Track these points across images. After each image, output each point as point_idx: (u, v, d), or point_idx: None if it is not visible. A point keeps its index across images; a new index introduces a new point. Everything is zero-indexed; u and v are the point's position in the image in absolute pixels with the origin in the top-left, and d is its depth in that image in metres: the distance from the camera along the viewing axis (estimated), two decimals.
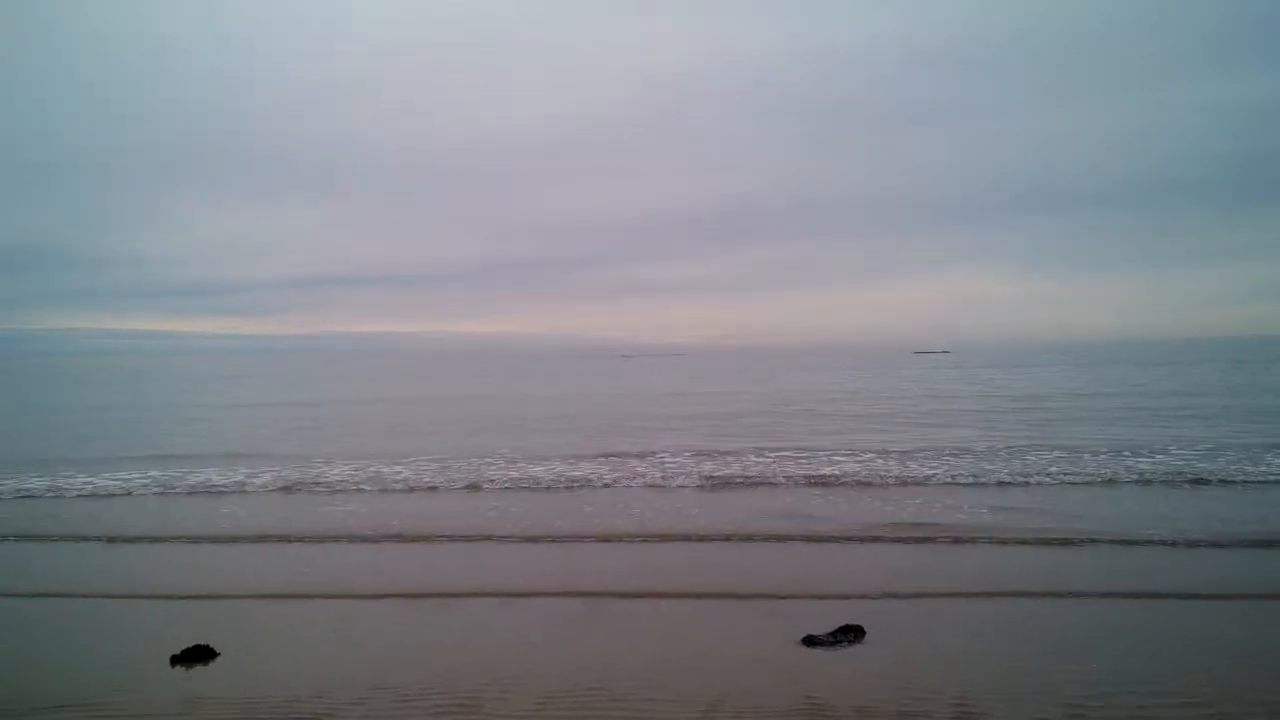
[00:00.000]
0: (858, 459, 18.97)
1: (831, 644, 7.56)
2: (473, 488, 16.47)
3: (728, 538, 11.87)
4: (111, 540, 12.59)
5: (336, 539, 12.23)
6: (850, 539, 11.84)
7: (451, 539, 12.00)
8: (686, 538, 11.95)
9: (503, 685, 6.63)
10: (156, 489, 17.09)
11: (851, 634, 7.71)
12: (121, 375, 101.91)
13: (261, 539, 12.42)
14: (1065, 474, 16.41)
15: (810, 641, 7.60)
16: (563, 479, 16.97)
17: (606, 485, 16.30)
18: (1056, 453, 19.33)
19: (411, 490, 16.43)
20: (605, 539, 11.94)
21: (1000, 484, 15.76)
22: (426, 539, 12.03)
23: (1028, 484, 15.68)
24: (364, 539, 12.17)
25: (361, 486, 16.74)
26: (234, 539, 12.50)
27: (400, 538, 12.12)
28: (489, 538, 12.01)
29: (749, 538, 11.86)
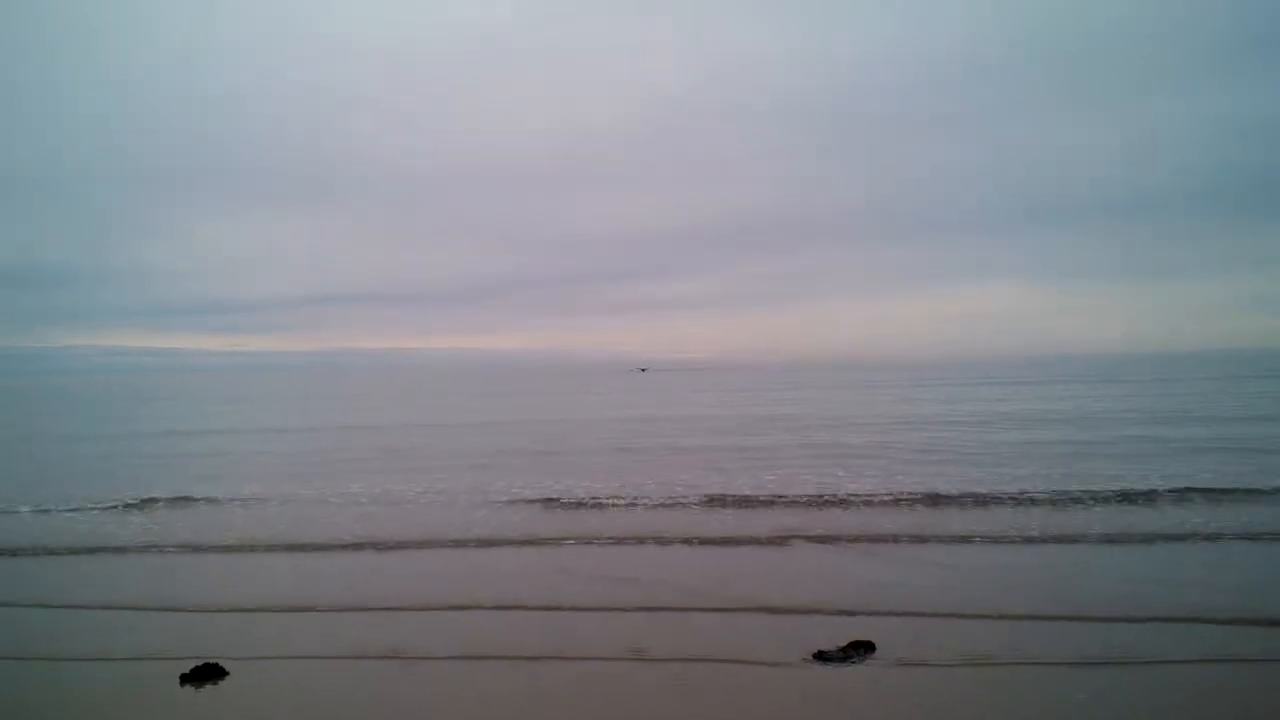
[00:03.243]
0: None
1: (842, 660, 7.54)
2: (484, 543, 13.46)
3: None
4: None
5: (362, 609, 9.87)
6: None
7: (462, 608, 9.71)
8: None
9: None
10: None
11: (862, 649, 7.69)
12: (141, 394, 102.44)
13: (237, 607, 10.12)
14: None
15: (821, 657, 7.58)
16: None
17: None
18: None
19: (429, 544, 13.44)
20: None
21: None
22: (427, 607, 9.79)
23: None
24: (383, 607, 9.90)
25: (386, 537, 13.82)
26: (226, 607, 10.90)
27: (411, 606, 9.87)
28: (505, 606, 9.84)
29: None
